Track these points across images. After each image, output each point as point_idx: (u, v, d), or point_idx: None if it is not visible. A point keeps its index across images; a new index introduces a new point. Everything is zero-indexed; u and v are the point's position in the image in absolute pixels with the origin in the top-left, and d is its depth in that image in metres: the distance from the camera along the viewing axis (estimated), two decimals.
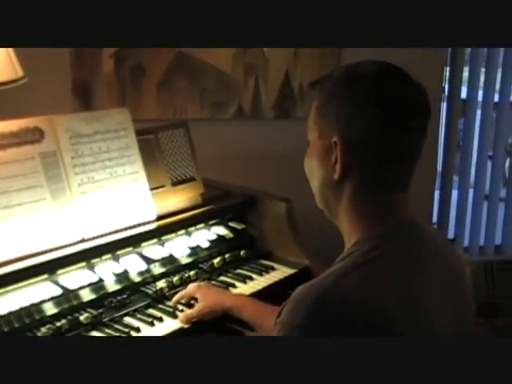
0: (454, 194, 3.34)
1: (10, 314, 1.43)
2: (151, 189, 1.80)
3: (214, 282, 1.80)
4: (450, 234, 3.32)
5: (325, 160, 1.12)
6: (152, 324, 1.57)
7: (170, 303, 1.67)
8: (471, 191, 3.37)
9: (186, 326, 1.57)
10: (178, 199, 1.90)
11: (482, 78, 3.24)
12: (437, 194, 3.24)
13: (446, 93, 3.15)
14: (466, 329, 1.17)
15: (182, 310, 1.62)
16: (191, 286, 1.66)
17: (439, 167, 3.25)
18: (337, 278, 1.03)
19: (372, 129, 1.06)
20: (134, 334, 1.52)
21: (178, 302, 1.65)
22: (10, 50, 1.48)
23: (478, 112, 3.31)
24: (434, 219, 3.24)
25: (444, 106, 3.15)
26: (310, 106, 1.17)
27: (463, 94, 3.25)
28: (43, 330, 1.46)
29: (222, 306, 1.59)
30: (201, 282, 1.73)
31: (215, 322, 1.60)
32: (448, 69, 3.12)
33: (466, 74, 3.25)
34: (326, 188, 1.14)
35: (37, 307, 1.49)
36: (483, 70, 3.25)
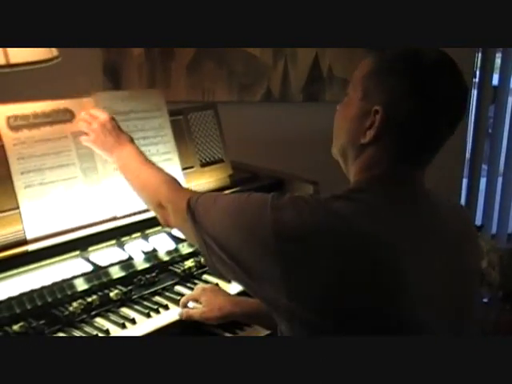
0: (483, 181, 3.30)
1: (43, 288, 1.47)
2: (181, 169, 1.82)
3: None
4: (478, 221, 3.29)
5: (359, 121, 1.16)
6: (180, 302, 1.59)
7: (196, 282, 1.70)
8: (500, 179, 3.33)
9: None
10: (206, 180, 1.91)
11: None
12: (465, 181, 3.22)
13: (477, 79, 3.10)
14: (466, 301, 1.20)
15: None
16: (197, 289, 1.61)
17: (468, 155, 3.22)
18: (310, 197, 1.13)
19: (416, 113, 1.11)
20: (162, 311, 1.55)
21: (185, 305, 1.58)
22: None
23: (510, 99, 3.26)
24: None
25: (475, 92, 3.11)
26: (361, 64, 1.19)
27: (495, 81, 3.20)
28: (75, 304, 1.49)
29: (227, 313, 1.51)
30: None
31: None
32: (480, 55, 3.07)
33: (498, 60, 3.20)
34: (350, 145, 1.19)
35: (68, 283, 1.52)
36: None
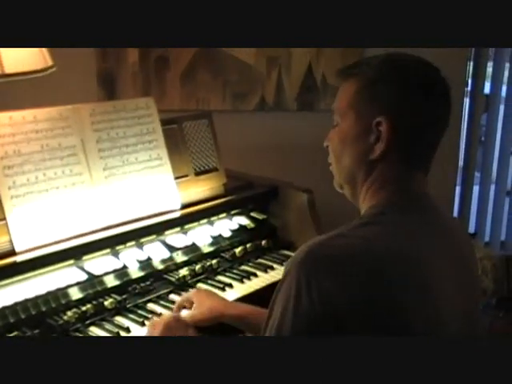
0: (475, 189, 3.32)
1: (38, 297, 1.47)
2: (174, 178, 1.83)
3: (235, 271, 1.83)
4: (471, 229, 3.31)
5: (363, 140, 1.15)
6: None
7: (191, 290, 1.70)
8: (493, 187, 3.35)
9: None
10: (200, 189, 1.92)
11: (506, 74, 3.21)
12: (458, 189, 3.23)
13: (470, 88, 3.13)
14: (472, 307, 1.20)
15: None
16: (191, 291, 1.60)
17: (461, 162, 3.23)
18: (342, 230, 1.09)
19: (418, 112, 1.13)
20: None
21: (180, 308, 1.56)
22: None
23: (502, 107, 3.28)
24: (455, 214, 3.23)
25: (467, 100, 3.13)
26: (339, 93, 1.20)
27: (486, 89, 3.22)
28: (69, 313, 1.49)
29: (216, 315, 1.49)
30: (201, 287, 1.70)
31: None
32: (471, 63, 3.10)
33: (489, 69, 3.22)
34: (359, 166, 1.17)
35: (63, 291, 1.52)
36: (507, 65, 3.22)
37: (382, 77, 1.14)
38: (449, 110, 1.17)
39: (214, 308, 1.49)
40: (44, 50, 1.53)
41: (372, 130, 1.13)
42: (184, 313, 1.52)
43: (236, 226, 1.93)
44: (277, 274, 1.83)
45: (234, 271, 1.83)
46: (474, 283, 1.24)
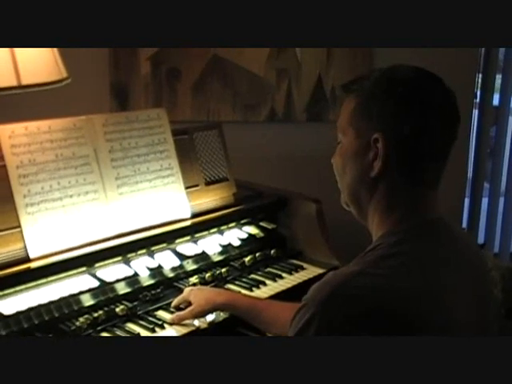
0: (484, 201, 3.32)
1: (51, 303, 1.50)
2: (185, 188, 1.86)
3: (244, 280, 1.85)
4: (480, 240, 3.31)
5: (362, 158, 1.15)
6: None
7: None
8: (502, 199, 3.35)
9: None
10: (211, 198, 1.95)
11: None
12: (467, 201, 3.23)
13: (478, 100, 3.14)
14: (488, 330, 1.20)
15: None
16: (186, 290, 1.66)
17: (470, 174, 3.24)
18: (364, 266, 1.08)
19: (413, 127, 1.10)
20: (167, 326, 1.58)
21: (178, 307, 1.65)
22: (55, 50, 1.54)
23: (511, 119, 3.29)
24: (464, 225, 3.24)
25: (476, 112, 3.14)
26: (341, 110, 1.21)
27: (495, 101, 3.23)
28: (81, 319, 1.52)
29: (212, 303, 1.59)
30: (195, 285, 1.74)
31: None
32: (480, 75, 3.11)
33: (498, 81, 3.23)
34: (360, 185, 1.17)
35: (75, 298, 1.55)
36: None
37: (376, 92, 1.13)
38: (453, 121, 1.14)
39: (209, 298, 1.60)
40: (59, 61, 1.56)
41: (371, 148, 1.12)
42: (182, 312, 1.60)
43: (245, 236, 1.95)
44: (285, 282, 1.85)
45: (243, 280, 1.85)
46: (491, 308, 1.23)
